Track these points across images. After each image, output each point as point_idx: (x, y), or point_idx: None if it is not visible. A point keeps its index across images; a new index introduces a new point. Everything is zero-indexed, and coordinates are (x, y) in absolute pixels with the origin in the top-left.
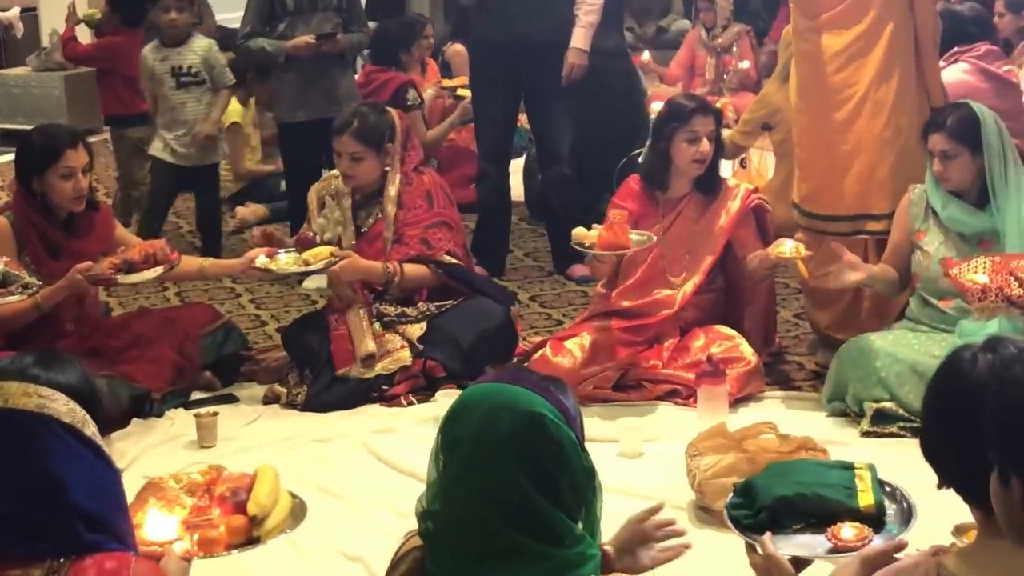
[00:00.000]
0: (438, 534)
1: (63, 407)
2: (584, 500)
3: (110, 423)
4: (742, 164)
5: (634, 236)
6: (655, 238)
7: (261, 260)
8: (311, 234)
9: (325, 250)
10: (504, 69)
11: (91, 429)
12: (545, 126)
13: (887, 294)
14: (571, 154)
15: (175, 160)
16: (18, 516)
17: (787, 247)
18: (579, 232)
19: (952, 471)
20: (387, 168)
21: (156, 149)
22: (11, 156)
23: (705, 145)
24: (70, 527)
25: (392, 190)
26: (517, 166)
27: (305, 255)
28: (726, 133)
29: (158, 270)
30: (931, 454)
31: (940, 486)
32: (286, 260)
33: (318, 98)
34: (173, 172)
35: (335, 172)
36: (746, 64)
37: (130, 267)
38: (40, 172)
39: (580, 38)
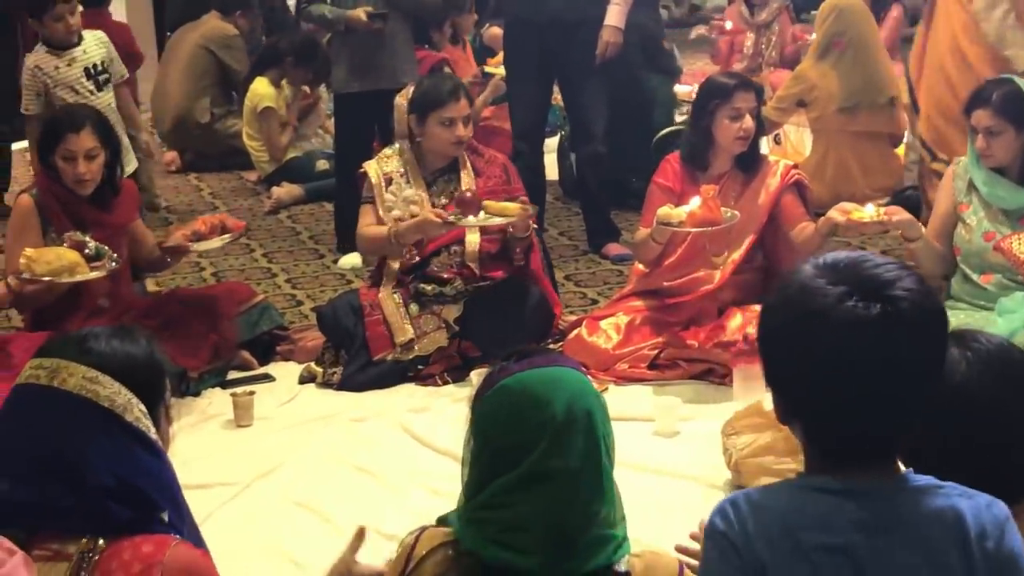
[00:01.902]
0: (517, 525)
1: (105, 391)
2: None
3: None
4: (776, 140)
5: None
6: (739, 215)
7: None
8: (468, 194)
9: (512, 205)
10: (538, 48)
11: (134, 413)
12: (579, 104)
13: (927, 268)
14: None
15: None
16: (49, 497)
17: (868, 210)
18: (664, 211)
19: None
20: None
21: None
22: None
23: (748, 121)
24: (101, 507)
25: (464, 159)
26: (551, 145)
27: (499, 208)
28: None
29: (226, 237)
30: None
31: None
32: (476, 218)
33: (376, 70)
34: None
35: (391, 150)
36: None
37: (199, 238)
38: (51, 151)
39: (615, 16)
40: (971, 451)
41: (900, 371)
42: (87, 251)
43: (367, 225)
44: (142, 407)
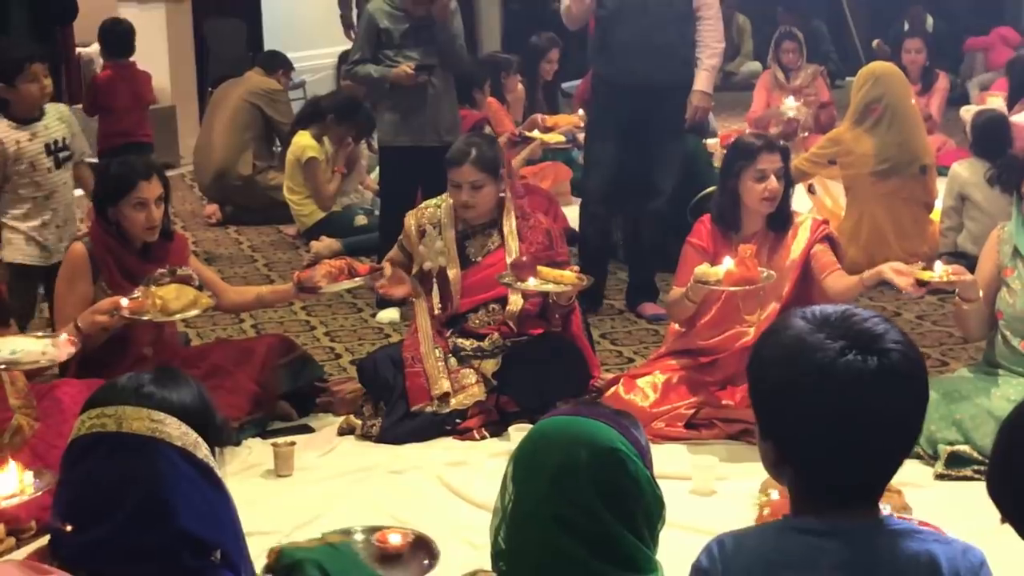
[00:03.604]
0: (522, 568)
1: (175, 430)
2: (654, 528)
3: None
4: (810, 190)
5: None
6: (775, 275)
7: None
8: (524, 257)
9: (569, 274)
10: (625, 112)
11: (203, 451)
12: (655, 163)
13: (974, 328)
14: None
15: (41, 260)
16: (124, 539)
17: (937, 270)
18: (702, 269)
19: (1012, 510)
20: (501, 195)
21: (15, 253)
22: None
23: (773, 183)
24: (175, 552)
25: (510, 223)
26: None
27: (555, 275)
28: (793, 162)
29: (359, 280)
30: (994, 490)
31: (1003, 521)
32: (535, 282)
33: (421, 125)
34: (40, 273)
35: (435, 201)
36: None
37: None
38: (114, 202)
39: (704, 81)
40: None
41: (893, 420)
42: (195, 283)
43: (388, 257)
44: (206, 447)
